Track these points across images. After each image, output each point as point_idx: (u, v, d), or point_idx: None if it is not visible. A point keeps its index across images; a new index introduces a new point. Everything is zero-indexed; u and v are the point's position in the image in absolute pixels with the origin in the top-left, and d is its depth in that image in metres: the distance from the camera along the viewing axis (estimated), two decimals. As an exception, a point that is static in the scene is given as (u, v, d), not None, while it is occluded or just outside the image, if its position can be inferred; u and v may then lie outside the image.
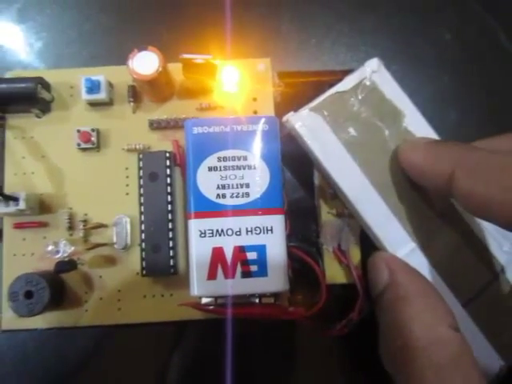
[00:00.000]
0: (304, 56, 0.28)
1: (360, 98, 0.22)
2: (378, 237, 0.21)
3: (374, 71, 0.22)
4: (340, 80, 0.27)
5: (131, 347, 0.25)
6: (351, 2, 0.29)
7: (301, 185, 0.26)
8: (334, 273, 0.25)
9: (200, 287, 0.20)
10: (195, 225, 0.20)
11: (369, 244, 0.25)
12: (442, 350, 0.17)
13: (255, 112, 0.24)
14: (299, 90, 0.26)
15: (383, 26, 0.29)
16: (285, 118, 0.22)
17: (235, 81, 0.24)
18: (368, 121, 0.22)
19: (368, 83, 0.22)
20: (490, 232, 0.22)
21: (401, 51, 0.29)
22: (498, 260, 0.22)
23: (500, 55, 0.29)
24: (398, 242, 0.21)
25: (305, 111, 0.21)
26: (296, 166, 0.27)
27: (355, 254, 0.25)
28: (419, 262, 0.21)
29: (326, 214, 0.25)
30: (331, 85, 0.27)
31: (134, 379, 0.25)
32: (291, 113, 0.22)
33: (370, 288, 0.21)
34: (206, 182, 0.20)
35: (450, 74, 0.28)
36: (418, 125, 0.22)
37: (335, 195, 0.25)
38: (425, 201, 0.22)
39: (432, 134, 0.22)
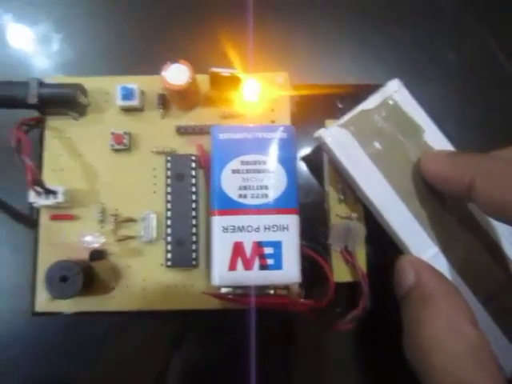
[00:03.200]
0: (318, 70, 0.31)
1: (383, 115, 0.24)
2: (404, 242, 0.23)
3: (395, 91, 0.24)
4: (349, 92, 0.30)
5: (148, 335, 0.27)
6: (362, 22, 0.31)
7: (311, 190, 0.29)
8: (340, 271, 0.27)
9: (221, 277, 0.22)
10: (219, 221, 0.22)
11: (374, 246, 0.28)
12: (462, 341, 0.18)
13: (273, 121, 0.26)
14: (313, 102, 0.29)
15: (391, 43, 0.31)
16: (317, 134, 0.24)
17: (256, 92, 0.26)
18: (391, 136, 0.24)
19: (390, 102, 0.24)
20: (506, 235, 0.24)
21: (407, 67, 0.31)
22: None
23: (499, 73, 0.31)
24: (422, 246, 0.23)
25: (335, 127, 0.24)
26: (307, 173, 0.29)
27: (361, 255, 0.27)
28: (442, 264, 0.22)
29: (335, 217, 0.27)
30: (342, 97, 0.30)
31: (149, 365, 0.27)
32: (322, 129, 0.24)
33: (396, 288, 0.22)
34: (230, 183, 0.22)
35: (451, 90, 0.30)
36: (436, 139, 0.24)
37: (343, 200, 0.28)
38: (444, 207, 0.23)
39: (449, 147, 0.24)
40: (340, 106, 0.30)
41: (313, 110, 0.29)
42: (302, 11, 0.31)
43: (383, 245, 0.27)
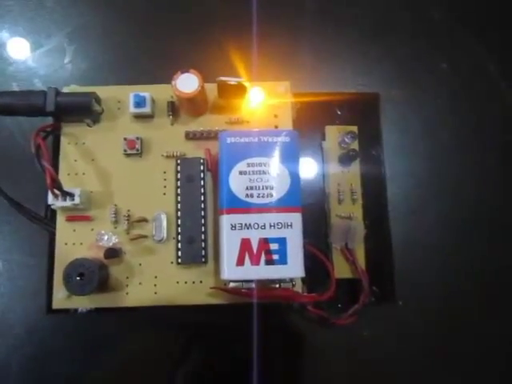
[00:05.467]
0: (317, 79, 0.33)
1: None
2: None
3: None
4: (347, 100, 0.31)
5: (159, 329, 0.28)
6: (359, 34, 0.33)
7: (313, 192, 0.30)
8: (341, 268, 0.28)
9: (230, 272, 0.23)
10: (227, 219, 0.24)
11: (372, 244, 0.29)
12: None
13: (276, 126, 0.28)
14: (313, 108, 0.30)
15: (387, 55, 0.33)
16: None
17: (260, 100, 0.27)
18: None
19: None
20: None
21: (402, 77, 0.33)
22: None
23: (487, 84, 0.33)
24: None
25: None
26: (309, 176, 0.31)
27: (360, 253, 0.29)
28: None
29: (335, 217, 0.29)
30: (341, 105, 0.31)
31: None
32: None
33: None
34: (237, 183, 0.24)
35: (443, 99, 0.32)
36: None
37: (343, 200, 0.29)
38: None
39: None
40: (339, 112, 0.32)
41: (313, 117, 0.31)
42: (303, 24, 0.33)
43: (381, 243, 0.29)
